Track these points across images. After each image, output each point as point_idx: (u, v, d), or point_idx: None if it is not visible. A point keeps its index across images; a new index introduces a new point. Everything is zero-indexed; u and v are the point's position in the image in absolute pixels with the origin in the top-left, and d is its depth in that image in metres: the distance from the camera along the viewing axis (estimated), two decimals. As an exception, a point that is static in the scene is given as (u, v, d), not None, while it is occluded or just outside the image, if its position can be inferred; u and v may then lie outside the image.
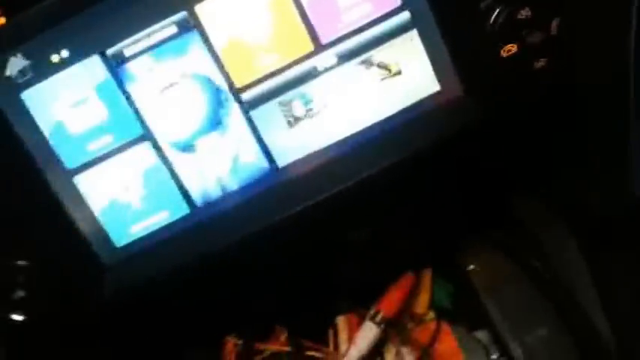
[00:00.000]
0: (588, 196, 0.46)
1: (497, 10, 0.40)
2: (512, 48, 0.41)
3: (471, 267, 0.54)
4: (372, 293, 0.54)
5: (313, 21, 0.42)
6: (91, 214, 0.44)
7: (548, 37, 0.41)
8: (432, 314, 0.56)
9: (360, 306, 0.55)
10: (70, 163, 0.44)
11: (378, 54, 0.43)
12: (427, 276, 0.57)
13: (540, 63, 0.41)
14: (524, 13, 0.40)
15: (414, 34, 0.43)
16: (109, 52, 0.42)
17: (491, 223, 0.54)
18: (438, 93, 0.44)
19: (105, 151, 0.43)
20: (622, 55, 0.40)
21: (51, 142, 0.43)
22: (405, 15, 0.42)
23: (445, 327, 0.54)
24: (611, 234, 0.46)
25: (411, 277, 0.56)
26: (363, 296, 0.55)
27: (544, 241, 0.51)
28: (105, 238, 0.45)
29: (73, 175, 0.44)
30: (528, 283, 0.52)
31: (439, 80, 0.44)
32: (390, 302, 0.54)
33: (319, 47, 0.43)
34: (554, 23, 0.41)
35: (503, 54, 0.41)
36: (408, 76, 0.43)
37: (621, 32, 0.40)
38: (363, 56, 0.43)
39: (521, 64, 0.41)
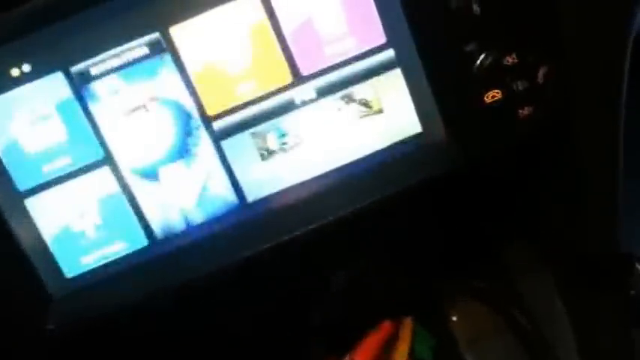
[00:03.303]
0: (575, 235, 0.45)
1: (483, 55, 0.39)
2: (496, 94, 0.40)
3: (454, 318, 0.52)
4: (347, 340, 0.51)
5: (294, 51, 0.40)
6: (41, 240, 0.41)
7: (533, 85, 0.40)
8: (410, 366, 0.53)
9: (333, 354, 0.52)
10: (22, 184, 0.40)
11: (359, 90, 0.41)
12: (407, 325, 0.53)
13: (525, 111, 0.40)
14: (511, 59, 0.39)
15: (397, 72, 0.41)
16: (74, 69, 0.39)
17: (475, 273, 0.52)
18: (419, 134, 0.42)
19: (61, 174, 0.40)
20: (613, 107, 0.39)
21: (4, 161, 0.40)
22: (390, 53, 0.41)
23: (424, 381, 0.52)
24: (596, 277, 0.45)
25: (390, 325, 0.53)
26: (337, 343, 0.51)
27: (527, 294, 0.49)
28: (54, 267, 0.41)
29: (24, 198, 0.41)
30: (510, 337, 0.50)
31: (421, 121, 0.42)
32: (365, 351, 0.51)
33: (298, 79, 0.41)
34: (541, 71, 0.40)
35: (487, 100, 0.40)
36: (390, 115, 0.42)
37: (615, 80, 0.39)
38: (344, 91, 0.41)
39: (504, 111, 0.40)
